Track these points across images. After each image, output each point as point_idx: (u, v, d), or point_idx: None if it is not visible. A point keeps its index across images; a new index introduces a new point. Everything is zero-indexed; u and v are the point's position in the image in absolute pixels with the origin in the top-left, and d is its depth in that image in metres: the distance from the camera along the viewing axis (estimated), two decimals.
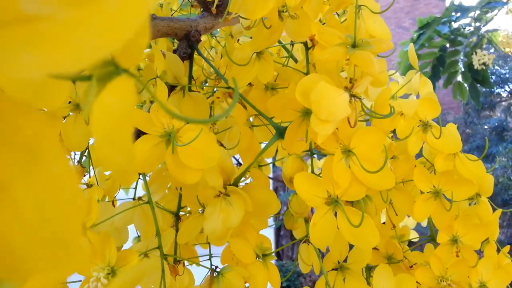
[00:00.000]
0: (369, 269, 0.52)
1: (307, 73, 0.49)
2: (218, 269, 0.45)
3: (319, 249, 0.50)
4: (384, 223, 0.58)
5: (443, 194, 0.51)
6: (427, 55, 3.51)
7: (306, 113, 0.43)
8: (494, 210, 0.56)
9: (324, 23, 0.49)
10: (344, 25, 0.48)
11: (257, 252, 0.46)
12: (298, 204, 0.45)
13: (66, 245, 0.09)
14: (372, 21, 0.46)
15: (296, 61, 0.57)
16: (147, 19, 0.11)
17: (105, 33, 0.09)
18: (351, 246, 0.49)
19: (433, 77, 3.50)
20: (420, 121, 0.52)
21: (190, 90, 0.56)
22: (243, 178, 0.48)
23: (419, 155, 0.58)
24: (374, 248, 0.56)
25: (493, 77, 8.95)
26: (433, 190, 0.51)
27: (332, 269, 0.48)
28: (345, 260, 0.48)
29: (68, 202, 0.10)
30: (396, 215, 0.55)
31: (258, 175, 0.50)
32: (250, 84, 0.56)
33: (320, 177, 0.41)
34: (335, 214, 0.39)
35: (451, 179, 0.51)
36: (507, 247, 0.57)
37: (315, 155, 0.50)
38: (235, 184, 0.45)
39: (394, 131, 0.54)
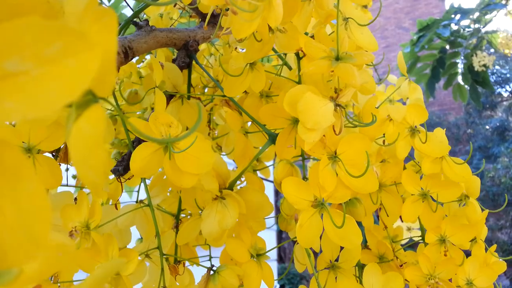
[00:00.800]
0: (362, 268, 0.54)
1: (299, 82, 0.51)
2: (214, 268, 0.48)
3: (313, 250, 0.53)
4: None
5: (431, 196, 0.53)
6: (427, 56, 3.52)
7: (296, 121, 0.45)
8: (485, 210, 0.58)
9: (313, 35, 0.52)
10: (332, 37, 0.51)
11: (252, 252, 0.48)
12: (289, 207, 0.48)
13: (37, 242, 0.13)
14: (360, 33, 0.49)
15: (290, 68, 0.59)
16: (112, 60, 0.14)
17: (67, 83, 0.12)
18: (342, 247, 0.51)
19: (433, 78, 3.52)
20: (409, 126, 0.54)
21: (189, 98, 0.58)
22: (238, 182, 0.51)
23: (411, 158, 0.61)
24: (367, 248, 0.59)
25: (494, 77, 8.95)
26: (420, 192, 0.53)
27: (325, 268, 0.50)
28: (336, 260, 0.51)
29: (37, 213, 0.13)
30: (388, 216, 0.57)
31: (252, 179, 0.52)
32: (245, 91, 0.59)
33: (307, 181, 0.43)
34: (321, 216, 0.41)
35: (438, 181, 0.53)
36: (494, 246, 0.59)
37: (308, 160, 0.52)
38: (230, 187, 0.48)
39: (383, 136, 0.57)
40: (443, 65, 3.59)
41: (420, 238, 0.68)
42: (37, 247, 0.13)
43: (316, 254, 0.54)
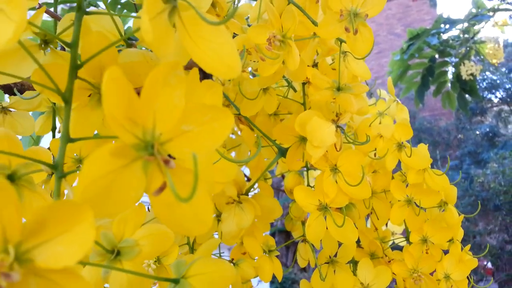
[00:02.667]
0: (355, 263, 0.63)
1: (303, 103, 0.60)
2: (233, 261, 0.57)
3: (314, 247, 0.62)
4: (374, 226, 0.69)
5: (415, 202, 0.63)
6: (417, 65, 3.62)
7: (302, 139, 0.54)
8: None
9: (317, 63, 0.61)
10: (333, 66, 0.60)
11: (264, 248, 0.57)
12: (297, 210, 0.57)
13: (205, 223, 0.21)
14: (355, 63, 0.58)
15: (295, 90, 0.68)
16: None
17: (217, 135, 0.21)
18: (339, 245, 0.60)
19: (423, 86, 3.63)
20: (396, 142, 0.64)
21: None
22: (252, 189, 0.60)
23: (398, 169, 0.70)
24: (359, 247, 0.68)
25: (484, 83, 9.11)
26: (406, 198, 0.63)
27: (325, 263, 0.59)
28: (335, 255, 0.60)
29: (205, 210, 0.22)
30: (378, 219, 0.67)
31: (264, 187, 0.61)
32: None
33: (314, 188, 0.53)
34: (325, 218, 0.50)
35: (421, 189, 0.63)
36: (468, 246, 0.68)
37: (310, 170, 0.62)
38: (246, 193, 0.57)
39: (375, 149, 0.66)
40: (432, 74, 3.69)
41: (402, 241, 0.77)
42: (205, 226, 0.21)
43: (316, 252, 0.64)
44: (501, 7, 3.52)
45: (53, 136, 0.63)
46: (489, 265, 7.60)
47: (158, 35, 0.21)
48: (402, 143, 0.64)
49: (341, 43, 0.50)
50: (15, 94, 0.52)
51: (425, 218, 0.64)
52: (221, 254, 0.79)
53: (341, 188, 0.52)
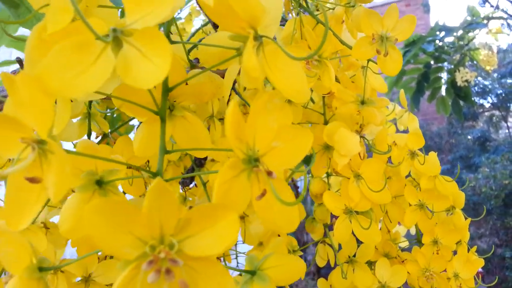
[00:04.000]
0: (371, 263, 0.67)
1: (323, 113, 0.65)
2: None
3: (332, 248, 0.66)
4: (380, 228, 0.74)
5: (427, 206, 0.68)
6: (412, 70, 3.69)
7: (327, 147, 0.59)
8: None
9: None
10: (353, 79, 0.65)
11: (288, 248, 0.62)
12: (322, 213, 0.61)
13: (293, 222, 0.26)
14: (374, 78, 0.63)
15: (313, 101, 0.73)
16: None
17: (295, 154, 0.26)
18: (358, 245, 0.65)
19: (418, 92, 3.70)
20: (409, 150, 0.69)
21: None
22: None
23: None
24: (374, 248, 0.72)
25: (476, 88, 9.22)
26: (418, 203, 0.68)
27: (345, 262, 0.64)
28: (354, 256, 0.64)
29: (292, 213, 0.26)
30: (391, 222, 0.71)
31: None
32: None
33: (339, 194, 0.57)
34: (350, 221, 0.55)
35: (432, 194, 0.68)
36: (474, 248, 0.73)
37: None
38: None
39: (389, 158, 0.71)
40: (427, 79, 3.75)
41: (403, 241, 0.82)
42: (294, 225, 0.26)
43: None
44: (495, 15, 3.61)
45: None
46: (480, 269, 7.69)
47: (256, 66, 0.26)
48: (415, 151, 0.69)
49: (368, 62, 0.54)
50: None
51: (436, 221, 0.69)
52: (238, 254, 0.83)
53: (364, 193, 0.56)
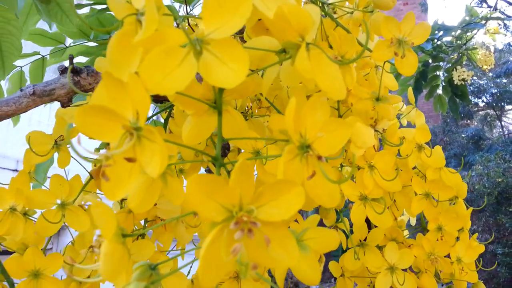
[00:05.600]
0: (380, 248, 0.73)
1: (337, 108, 0.70)
2: None
3: (344, 232, 0.72)
4: None
5: (432, 196, 0.73)
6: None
7: None
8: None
9: None
10: (366, 77, 0.70)
11: None
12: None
13: (335, 197, 0.31)
14: (385, 76, 0.68)
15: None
16: None
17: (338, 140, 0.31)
18: (369, 230, 0.71)
19: (416, 90, 3.75)
20: (416, 144, 0.74)
21: (252, 116, 0.77)
22: None
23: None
24: None
25: (471, 87, 9.30)
26: (424, 192, 0.73)
27: (356, 246, 0.69)
28: (365, 240, 0.70)
29: (332, 189, 0.31)
30: (398, 210, 0.77)
31: None
32: None
33: (355, 182, 0.63)
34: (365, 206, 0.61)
35: (438, 185, 0.73)
36: (476, 235, 0.79)
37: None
38: None
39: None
40: (425, 78, 3.80)
41: (406, 235, 0.87)
42: (336, 201, 0.31)
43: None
44: (493, 15, 3.67)
45: None
46: None
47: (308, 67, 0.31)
48: (422, 145, 0.74)
49: (384, 63, 0.60)
50: None
51: (440, 210, 0.75)
52: None
53: (376, 182, 0.62)
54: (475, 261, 0.75)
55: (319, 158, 0.29)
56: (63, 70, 0.54)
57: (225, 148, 0.68)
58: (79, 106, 0.65)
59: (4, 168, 4.79)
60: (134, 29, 0.31)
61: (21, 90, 0.53)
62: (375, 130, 0.61)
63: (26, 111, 0.54)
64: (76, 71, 0.55)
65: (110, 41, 0.33)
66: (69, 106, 0.55)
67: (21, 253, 0.62)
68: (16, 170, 4.88)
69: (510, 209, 6.92)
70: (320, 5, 0.67)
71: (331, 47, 0.56)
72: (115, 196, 0.29)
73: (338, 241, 0.38)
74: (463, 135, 9.25)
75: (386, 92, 0.66)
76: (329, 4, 0.67)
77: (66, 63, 1.50)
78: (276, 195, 0.27)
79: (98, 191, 0.70)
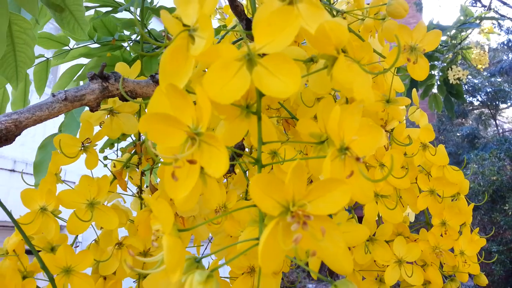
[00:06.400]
0: (387, 242, 0.77)
1: None
2: None
3: None
4: None
5: (437, 193, 0.77)
6: (406, 68, 3.79)
7: None
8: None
9: None
10: (374, 79, 0.74)
11: None
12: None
13: (368, 195, 0.35)
14: (393, 79, 0.72)
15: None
16: None
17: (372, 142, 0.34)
18: (378, 225, 0.74)
19: (411, 89, 3.80)
20: (421, 143, 0.78)
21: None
22: None
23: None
24: None
25: (466, 86, 9.39)
26: (429, 189, 0.77)
27: (366, 241, 0.73)
28: (374, 235, 0.74)
29: (367, 188, 0.35)
30: (403, 206, 0.81)
31: None
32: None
33: None
34: (377, 202, 0.64)
35: (442, 182, 0.77)
36: (477, 229, 0.83)
37: None
38: None
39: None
40: None
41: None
42: (369, 198, 0.34)
43: None
44: (487, 15, 3.72)
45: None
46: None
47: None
48: (426, 144, 0.78)
49: (395, 69, 0.63)
50: (127, 100, 0.65)
51: (444, 206, 0.79)
52: None
53: (387, 180, 0.66)
54: (477, 254, 0.79)
55: (357, 159, 0.33)
56: (92, 77, 0.58)
57: (230, 165, 0.71)
58: (105, 110, 0.68)
59: (1, 169, 4.80)
60: (186, 43, 0.35)
61: (53, 95, 0.56)
62: (385, 131, 0.64)
63: (58, 116, 0.57)
64: (104, 77, 0.58)
65: (163, 54, 0.36)
66: (97, 110, 0.59)
67: (47, 251, 0.65)
68: (13, 170, 4.89)
69: (505, 207, 7.01)
70: (329, 10, 0.71)
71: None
72: (177, 195, 0.32)
73: (367, 235, 0.42)
74: (458, 134, 9.33)
75: (393, 94, 0.69)
76: (340, 11, 0.71)
77: (67, 65, 1.51)
78: (324, 191, 0.30)
79: (119, 190, 0.73)
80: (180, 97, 0.31)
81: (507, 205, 6.85)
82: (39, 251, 0.64)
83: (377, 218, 0.85)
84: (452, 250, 0.79)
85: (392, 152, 0.67)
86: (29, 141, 4.71)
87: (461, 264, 0.77)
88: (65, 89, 0.59)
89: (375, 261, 0.78)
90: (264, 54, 0.32)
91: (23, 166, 4.85)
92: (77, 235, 0.67)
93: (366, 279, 0.81)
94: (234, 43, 0.88)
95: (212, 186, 0.39)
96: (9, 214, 0.58)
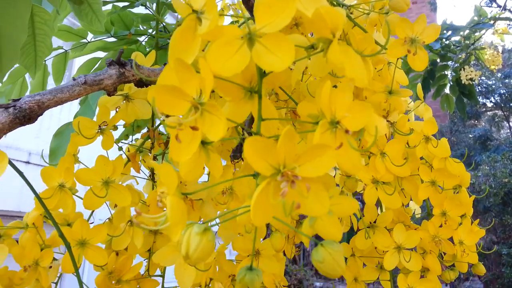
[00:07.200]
0: (388, 230, 0.80)
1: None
2: None
3: (355, 216, 0.79)
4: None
5: (438, 185, 0.80)
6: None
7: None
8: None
9: None
10: (379, 72, 0.77)
11: None
12: (351, 183, 0.74)
13: (357, 166, 0.38)
14: (397, 72, 0.75)
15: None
16: None
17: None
18: (379, 213, 0.77)
19: (424, 88, 3.80)
20: (424, 135, 0.80)
21: None
22: None
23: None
24: None
25: (479, 87, 9.31)
26: (431, 180, 0.80)
27: (367, 227, 0.76)
28: (374, 222, 0.77)
29: (354, 158, 0.38)
30: (405, 197, 0.84)
31: None
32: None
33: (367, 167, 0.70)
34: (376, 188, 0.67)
35: (443, 173, 0.80)
36: (477, 220, 0.85)
37: None
38: None
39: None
40: (433, 77, 3.84)
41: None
42: (358, 167, 0.38)
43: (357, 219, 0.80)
44: (502, 16, 3.70)
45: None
46: None
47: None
48: (429, 136, 0.81)
49: (397, 60, 0.66)
50: (141, 86, 0.68)
51: (445, 197, 0.81)
52: None
53: (387, 168, 0.68)
54: (476, 244, 0.81)
55: (346, 131, 0.36)
56: (110, 63, 0.61)
57: (238, 151, 0.75)
58: (121, 95, 0.72)
59: (17, 160, 4.89)
60: (194, 24, 0.38)
61: (74, 79, 0.60)
62: (387, 121, 0.67)
63: (78, 98, 0.61)
64: (121, 63, 0.62)
65: (174, 34, 0.40)
66: (114, 95, 0.62)
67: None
68: (28, 162, 4.99)
69: None
70: (339, 6, 0.73)
71: (349, 44, 0.63)
72: (180, 157, 0.36)
73: (356, 207, 0.45)
74: (470, 135, 9.26)
75: (397, 86, 0.72)
76: (348, 6, 0.74)
77: (82, 60, 1.56)
78: (313, 156, 0.33)
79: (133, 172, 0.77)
80: (186, 71, 0.35)
81: None
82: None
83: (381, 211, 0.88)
84: (452, 240, 0.82)
85: (393, 141, 0.70)
86: (43, 134, 4.79)
87: (460, 253, 0.79)
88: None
89: (376, 248, 0.81)
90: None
91: (38, 158, 4.94)
92: (92, 214, 0.71)
93: (367, 266, 0.84)
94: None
95: (214, 160, 0.43)
96: (29, 185, 0.62)
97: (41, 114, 0.59)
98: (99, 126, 0.68)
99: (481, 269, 0.83)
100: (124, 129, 1.13)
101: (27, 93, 1.42)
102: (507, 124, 9.91)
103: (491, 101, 9.76)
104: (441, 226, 0.82)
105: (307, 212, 0.34)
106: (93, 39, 1.51)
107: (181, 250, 0.34)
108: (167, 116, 0.37)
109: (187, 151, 0.36)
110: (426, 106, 0.88)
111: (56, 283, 0.70)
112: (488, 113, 10.11)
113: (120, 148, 0.85)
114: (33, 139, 4.93)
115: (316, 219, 0.41)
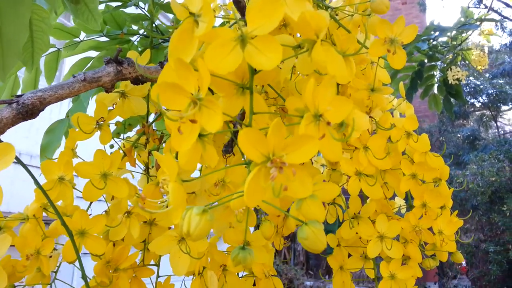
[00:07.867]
0: (372, 221, 0.84)
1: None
2: None
3: (341, 207, 0.83)
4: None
5: (418, 177, 0.84)
6: (407, 68, 3.85)
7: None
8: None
9: None
10: (363, 72, 0.81)
11: None
12: (337, 176, 0.78)
13: (338, 154, 0.42)
14: (379, 70, 0.79)
15: None
16: None
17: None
18: (362, 205, 0.81)
19: (411, 89, 3.86)
20: (405, 131, 0.85)
21: None
22: None
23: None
24: None
25: (467, 88, 9.44)
26: (411, 173, 0.84)
27: (351, 218, 0.80)
28: (359, 213, 0.81)
29: (335, 148, 0.42)
30: (388, 190, 0.88)
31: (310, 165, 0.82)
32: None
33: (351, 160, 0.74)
34: (359, 180, 0.72)
35: (423, 167, 0.84)
36: (456, 212, 0.90)
37: None
38: None
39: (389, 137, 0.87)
40: (421, 77, 3.90)
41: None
42: (339, 155, 0.42)
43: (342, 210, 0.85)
44: (488, 17, 3.78)
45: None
46: (464, 263, 7.99)
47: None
48: (410, 132, 0.85)
49: (379, 58, 0.71)
50: (137, 84, 0.72)
51: (425, 189, 0.86)
52: None
53: (370, 161, 0.73)
54: (454, 233, 0.86)
55: (328, 123, 0.40)
56: (108, 61, 0.65)
57: (230, 147, 0.78)
58: (118, 92, 0.75)
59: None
60: (191, 26, 0.42)
61: (74, 76, 0.63)
62: (370, 117, 0.71)
63: (77, 95, 0.64)
64: (119, 62, 0.65)
65: (173, 35, 0.43)
66: (111, 91, 0.66)
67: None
68: (29, 165, 4.99)
69: (503, 208, 7.07)
70: (324, 8, 0.78)
71: (334, 44, 0.67)
72: (181, 147, 0.40)
73: (338, 191, 0.49)
74: (458, 135, 9.38)
75: (379, 84, 0.76)
76: (333, 8, 0.78)
77: (73, 60, 1.58)
78: (299, 146, 0.37)
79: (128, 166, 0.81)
80: (185, 69, 0.39)
81: (505, 206, 6.90)
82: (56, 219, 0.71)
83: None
84: (431, 230, 0.86)
85: (375, 136, 0.74)
86: (33, 135, 4.78)
87: (439, 242, 0.84)
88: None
89: (360, 238, 0.85)
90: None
91: (28, 158, 4.93)
92: (89, 206, 0.75)
93: (353, 256, 0.88)
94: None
95: (210, 151, 0.47)
96: (33, 177, 0.65)
97: (43, 110, 0.62)
98: (97, 122, 0.72)
99: (459, 257, 0.88)
100: (115, 127, 1.17)
101: (19, 92, 1.44)
102: (495, 124, 10.05)
103: (479, 101, 9.88)
104: (421, 217, 0.86)
105: (293, 193, 0.38)
106: (85, 38, 1.54)
107: (182, 229, 0.38)
108: (168, 110, 0.41)
109: (187, 141, 0.40)
110: (408, 104, 0.92)
111: (56, 272, 0.73)
112: (476, 113, 10.25)
113: (112, 146, 0.88)
114: (23, 140, 4.92)
115: (302, 202, 0.45)
